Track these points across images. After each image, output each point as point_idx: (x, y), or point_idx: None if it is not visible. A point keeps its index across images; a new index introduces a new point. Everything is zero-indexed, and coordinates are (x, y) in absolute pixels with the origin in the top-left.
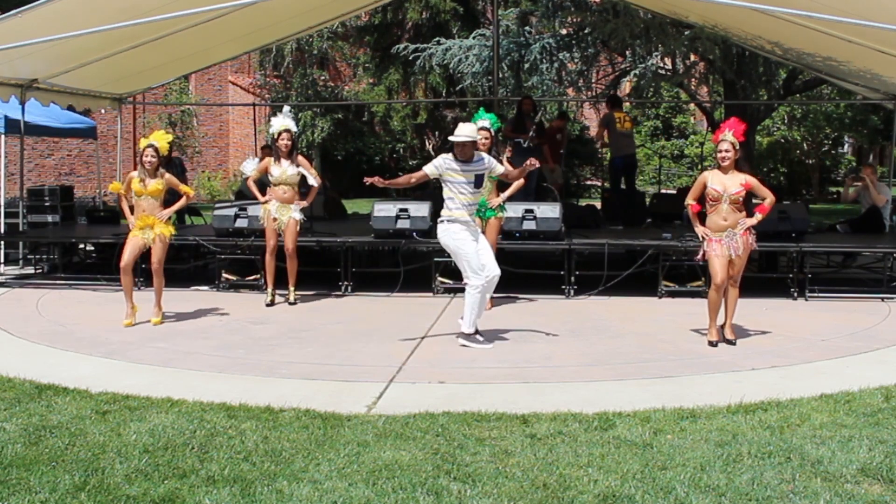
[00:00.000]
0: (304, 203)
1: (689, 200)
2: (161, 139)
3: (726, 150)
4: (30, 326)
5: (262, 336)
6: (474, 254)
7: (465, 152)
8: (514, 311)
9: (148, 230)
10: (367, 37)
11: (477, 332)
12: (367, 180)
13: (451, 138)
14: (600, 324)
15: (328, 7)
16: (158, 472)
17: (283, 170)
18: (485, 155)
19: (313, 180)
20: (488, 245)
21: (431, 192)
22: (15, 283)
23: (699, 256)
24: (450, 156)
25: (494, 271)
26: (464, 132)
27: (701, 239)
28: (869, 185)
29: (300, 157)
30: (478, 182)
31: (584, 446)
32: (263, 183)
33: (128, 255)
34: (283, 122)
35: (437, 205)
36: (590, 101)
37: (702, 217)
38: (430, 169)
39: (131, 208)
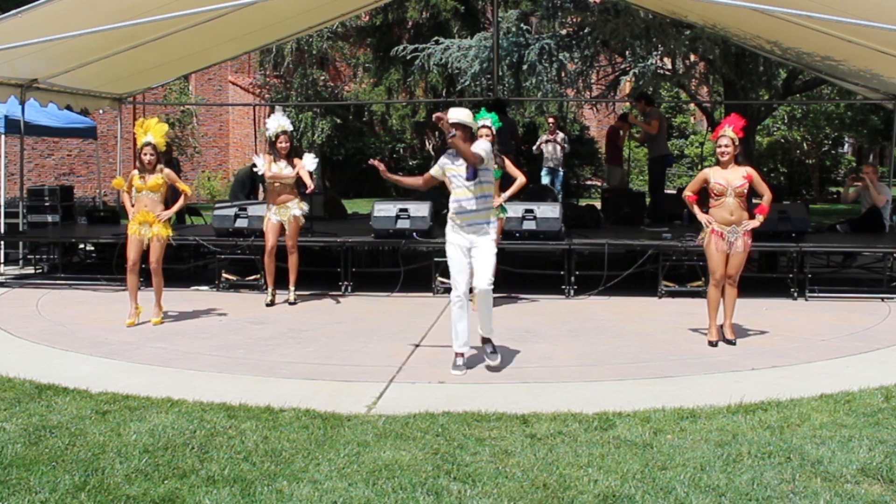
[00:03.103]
0: (297, 197)
1: (687, 192)
2: (157, 133)
3: (725, 146)
4: (30, 326)
5: (262, 336)
6: (452, 263)
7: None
8: (515, 311)
9: (146, 227)
10: (368, 37)
11: (460, 354)
12: (373, 162)
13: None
14: (600, 324)
15: (328, 7)
16: (158, 472)
17: (279, 169)
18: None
19: (308, 181)
20: (482, 257)
21: (431, 192)
22: (15, 283)
23: (698, 241)
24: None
25: (479, 285)
26: (457, 116)
27: (705, 225)
28: (869, 185)
29: (296, 161)
30: (469, 174)
31: (584, 446)
32: (255, 182)
33: (133, 254)
34: (279, 123)
35: (438, 205)
36: (590, 101)
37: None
38: (435, 170)
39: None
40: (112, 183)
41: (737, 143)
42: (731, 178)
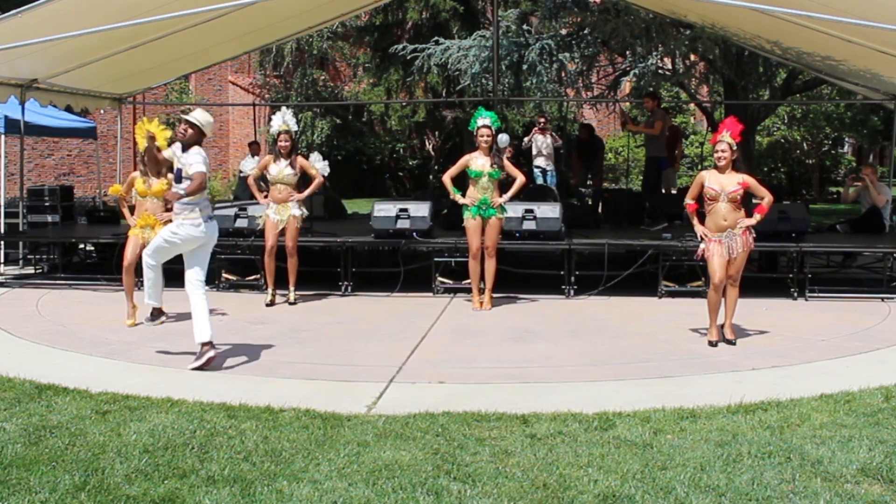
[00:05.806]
0: (300, 196)
1: (688, 200)
2: (160, 137)
3: (723, 151)
4: (30, 326)
5: (262, 336)
6: None
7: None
8: (515, 311)
9: (148, 230)
10: (367, 37)
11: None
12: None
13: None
14: (600, 324)
15: (328, 7)
16: (158, 472)
17: (280, 169)
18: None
19: (317, 173)
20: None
21: (431, 191)
22: (15, 283)
23: (698, 254)
24: None
25: None
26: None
27: (700, 238)
28: (869, 185)
29: (299, 158)
30: (177, 177)
31: (584, 446)
32: (258, 181)
33: (130, 254)
34: (282, 122)
35: (438, 205)
36: (590, 101)
37: (700, 217)
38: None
39: (131, 209)
40: (109, 190)
41: (734, 148)
42: (725, 183)
